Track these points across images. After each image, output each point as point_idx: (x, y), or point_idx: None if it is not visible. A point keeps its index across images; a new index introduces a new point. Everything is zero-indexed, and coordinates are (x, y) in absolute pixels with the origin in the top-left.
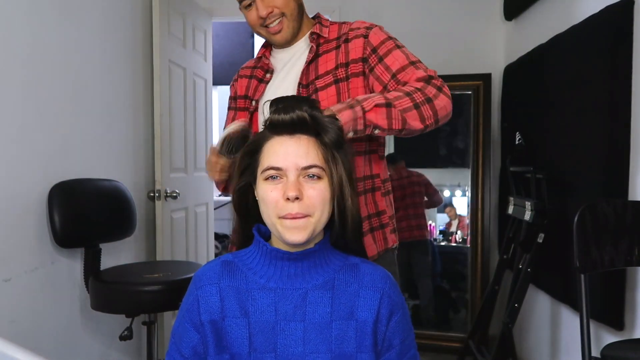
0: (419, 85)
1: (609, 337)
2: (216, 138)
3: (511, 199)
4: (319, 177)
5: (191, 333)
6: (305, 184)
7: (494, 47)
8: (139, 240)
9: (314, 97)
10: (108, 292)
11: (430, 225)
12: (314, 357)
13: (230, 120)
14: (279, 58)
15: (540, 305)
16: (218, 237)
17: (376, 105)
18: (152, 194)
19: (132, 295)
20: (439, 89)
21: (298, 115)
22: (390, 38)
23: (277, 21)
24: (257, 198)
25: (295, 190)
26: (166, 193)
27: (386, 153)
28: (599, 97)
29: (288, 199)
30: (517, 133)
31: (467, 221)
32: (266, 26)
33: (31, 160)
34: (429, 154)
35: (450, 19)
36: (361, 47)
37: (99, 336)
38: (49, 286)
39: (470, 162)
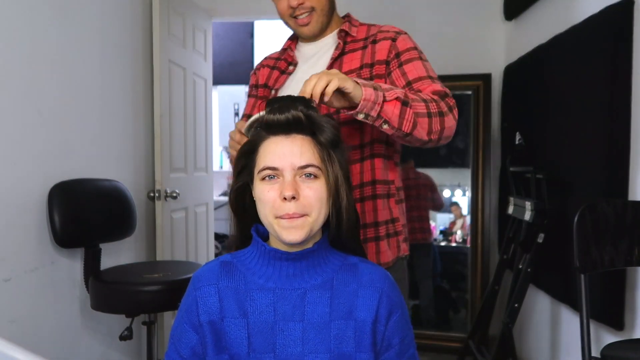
0: (435, 97)
1: (609, 337)
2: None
3: (511, 199)
4: (316, 177)
5: (190, 334)
6: (302, 184)
7: (494, 47)
8: (139, 240)
9: None
10: (108, 292)
11: (430, 225)
12: (313, 357)
13: (250, 106)
14: (303, 51)
15: (540, 305)
16: (218, 237)
17: (397, 99)
18: (152, 194)
19: (132, 295)
20: (450, 109)
21: (293, 115)
22: (416, 48)
23: (306, 14)
24: (254, 198)
25: (291, 190)
26: (166, 193)
27: None
28: (599, 97)
29: (285, 198)
30: (517, 133)
31: (467, 221)
32: (295, 17)
33: (31, 160)
34: (429, 154)
35: (450, 19)
36: (387, 50)
37: (99, 336)
38: (49, 286)
39: (470, 162)
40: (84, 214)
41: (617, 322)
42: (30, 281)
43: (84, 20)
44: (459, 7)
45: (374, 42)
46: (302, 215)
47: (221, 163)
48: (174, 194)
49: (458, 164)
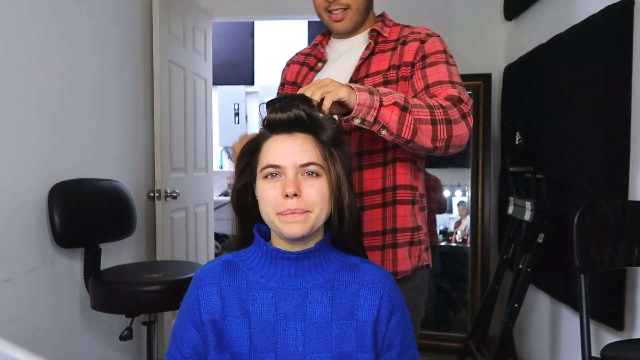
0: (445, 103)
1: (609, 337)
2: (216, 138)
3: (511, 199)
4: (318, 175)
5: (192, 333)
6: (304, 182)
7: (494, 47)
8: (139, 240)
9: None
10: (108, 292)
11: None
12: (314, 356)
13: None
14: (334, 48)
15: (540, 305)
16: (218, 237)
17: (395, 104)
18: (152, 194)
19: (132, 295)
20: (463, 116)
21: (295, 114)
22: (444, 52)
23: (340, 10)
24: (256, 197)
25: (293, 187)
26: (166, 193)
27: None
28: (599, 97)
29: (287, 195)
30: (517, 133)
31: (468, 221)
32: (330, 11)
33: (31, 160)
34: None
35: (450, 19)
36: (414, 52)
37: (99, 336)
38: (49, 286)
39: (470, 162)
40: (84, 214)
41: (617, 322)
42: (30, 281)
43: (84, 20)
44: (459, 7)
45: (404, 43)
46: (305, 212)
47: (221, 163)
48: (174, 194)
49: (458, 164)
